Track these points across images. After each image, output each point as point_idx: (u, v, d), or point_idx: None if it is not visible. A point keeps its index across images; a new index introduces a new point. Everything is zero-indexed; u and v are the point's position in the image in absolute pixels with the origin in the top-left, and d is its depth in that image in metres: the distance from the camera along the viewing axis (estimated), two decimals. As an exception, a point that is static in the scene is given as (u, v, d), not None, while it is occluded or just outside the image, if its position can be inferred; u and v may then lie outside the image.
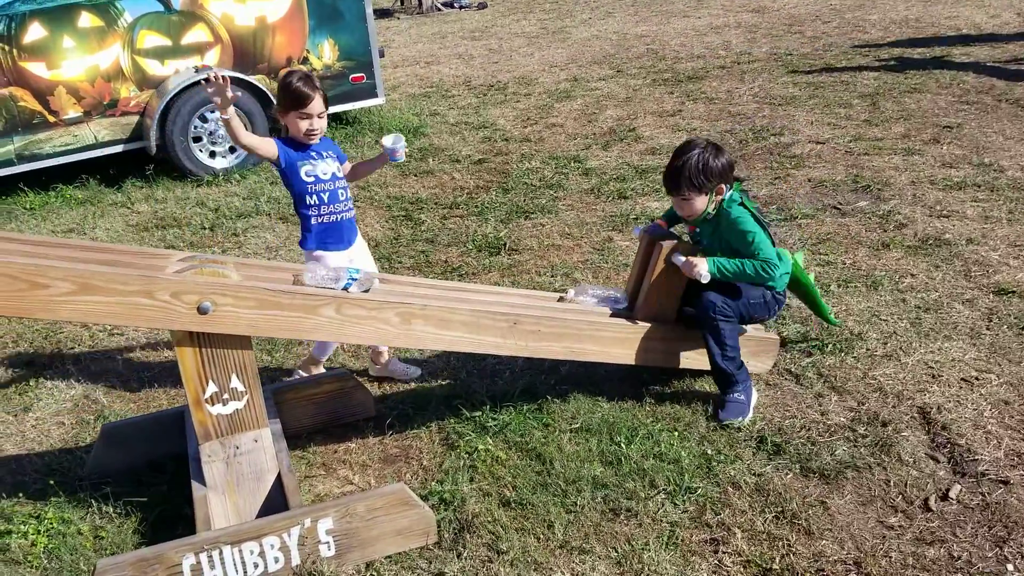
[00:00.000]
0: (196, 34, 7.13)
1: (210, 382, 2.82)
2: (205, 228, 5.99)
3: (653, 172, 6.28)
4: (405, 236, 5.54)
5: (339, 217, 3.52)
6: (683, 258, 3.26)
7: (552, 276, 4.75)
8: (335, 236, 3.53)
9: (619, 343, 3.32)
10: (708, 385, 3.57)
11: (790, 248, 4.65)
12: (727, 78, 9.10)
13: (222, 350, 2.80)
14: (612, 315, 3.37)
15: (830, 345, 3.78)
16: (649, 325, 3.36)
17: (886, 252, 4.65)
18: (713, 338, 3.33)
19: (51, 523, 3.02)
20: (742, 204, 3.33)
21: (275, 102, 3.53)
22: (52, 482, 3.26)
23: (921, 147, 6.23)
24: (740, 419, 3.32)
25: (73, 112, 6.77)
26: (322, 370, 3.80)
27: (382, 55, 8.19)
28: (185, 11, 7.03)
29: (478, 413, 3.44)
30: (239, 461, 2.90)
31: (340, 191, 3.52)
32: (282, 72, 3.43)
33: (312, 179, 3.44)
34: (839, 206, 5.36)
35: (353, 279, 3.00)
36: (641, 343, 3.35)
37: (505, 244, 5.23)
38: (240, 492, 2.90)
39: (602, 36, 12.48)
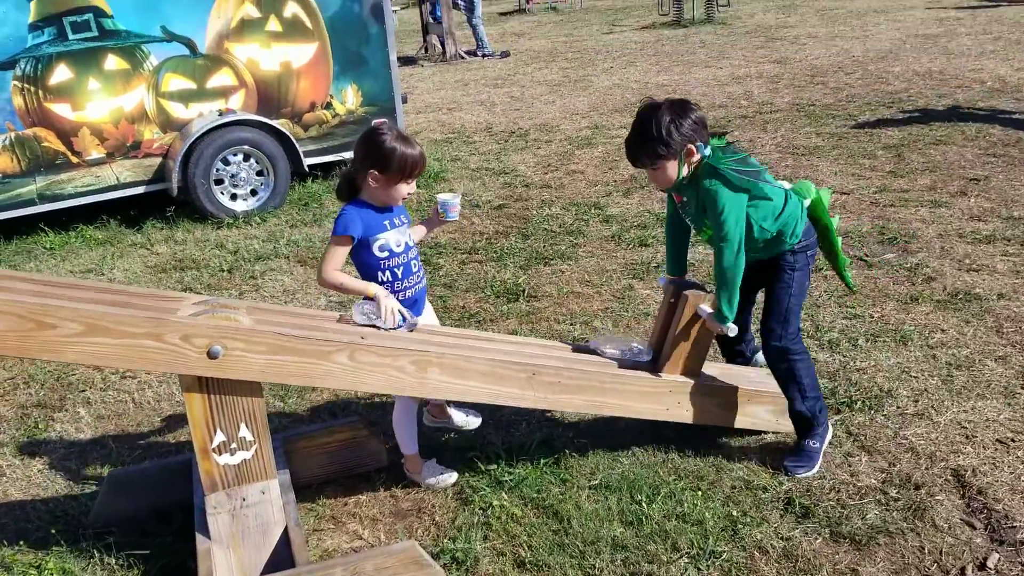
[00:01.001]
0: (221, 78, 7.17)
1: (218, 430, 2.74)
2: (223, 270, 5.95)
3: (675, 221, 6.20)
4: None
5: (412, 292, 3.16)
6: (709, 310, 3.16)
7: (571, 324, 4.66)
8: (415, 308, 3.18)
9: (643, 397, 3.21)
10: (734, 440, 3.45)
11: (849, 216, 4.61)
12: (749, 127, 9.06)
13: (231, 397, 2.72)
14: (635, 368, 3.27)
15: (859, 402, 3.66)
16: (674, 379, 3.26)
17: (915, 306, 4.53)
18: (790, 383, 3.22)
19: (51, 574, 2.93)
20: (716, 169, 2.96)
21: (358, 160, 3.02)
22: (55, 530, 3.18)
23: (948, 199, 6.13)
24: (809, 471, 3.20)
25: (96, 153, 6.79)
26: (451, 412, 3.56)
27: (405, 101, 8.21)
28: (210, 55, 7.08)
29: (493, 466, 3.34)
30: (245, 514, 2.81)
31: (413, 262, 3.14)
32: (376, 126, 3.04)
33: (386, 254, 3.05)
34: (865, 258, 5.25)
35: (401, 323, 2.99)
36: (665, 398, 3.24)
37: (524, 291, 5.15)
38: (245, 546, 2.80)
39: (623, 85, 12.51)
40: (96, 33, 6.62)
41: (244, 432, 2.78)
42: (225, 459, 2.78)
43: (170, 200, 7.16)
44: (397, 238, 3.10)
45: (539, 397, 3.06)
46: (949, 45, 12.67)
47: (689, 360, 3.28)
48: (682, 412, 3.29)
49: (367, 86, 7.78)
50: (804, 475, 3.18)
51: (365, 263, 3.09)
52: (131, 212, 7.33)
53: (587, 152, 8.61)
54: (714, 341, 3.43)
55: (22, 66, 6.40)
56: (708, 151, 3.00)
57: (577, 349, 3.40)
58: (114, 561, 2.97)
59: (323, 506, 3.27)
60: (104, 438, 3.89)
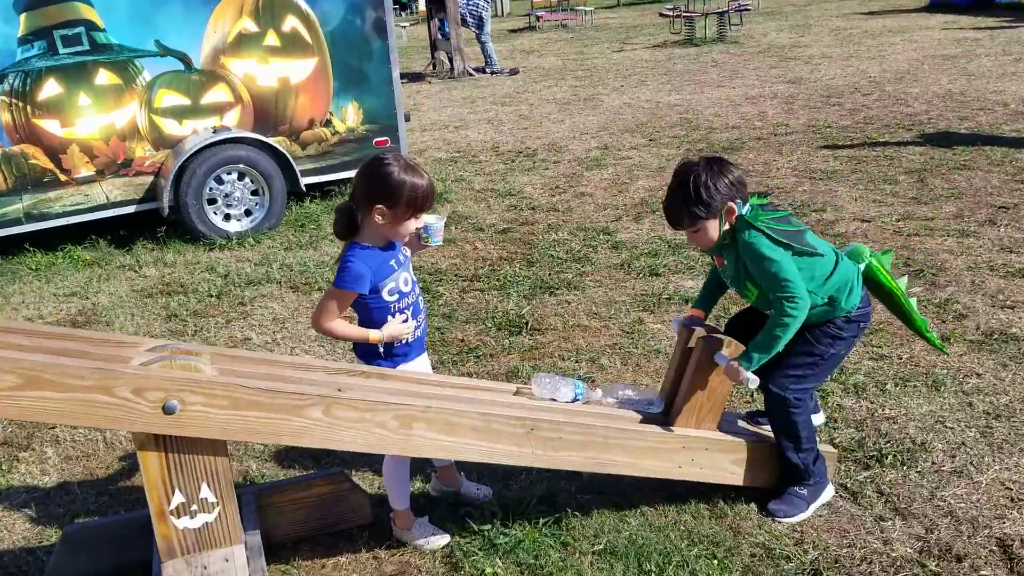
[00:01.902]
0: (216, 94, 6.92)
1: (176, 491, 2.45)
2: (212, 296, 5.67)
3: (688, 247, 5.90)
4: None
5: (420, 331, 2.95)
6: (728, 358, 2.86)
7: (577, 361, 4.35)
8: (414, 350, 2.94)
9: (652, 454, 2.90)
10: (755, 502, 3.13)
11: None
12: (764, 150, 8.76)
13: (191, 455, 2.43)
14: (644, 421, 2.96)
15: (890, 456, 3.34)
16: (688, 433, 2.95)
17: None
18: (784, 433, 2.99)
19: (-7, 645, 2.63)
20: (752, 224, 2.78)
21: (360, 194, 2.73)
22: (3, 591, 2.89)
23: (976, 228, 5.81)
24: (792, 518, 2.98)
25: (86, 171, 6.54)
26: (462, 478, 3.29)
27: (407, 119, 7.95)
28: (206, 70, 6.83)
29: (488, 526, 3.03)
30: (206, 584, 2.50)
31: (419, 299, 2.94)
32: (379, 156, 2.77)
33: (396, 297, 2.81)
34: (890, 292, 4.93)
35: (579, 395, 2.93)
36: (677, 455, 2.93)
37: (527, 323, 4.85)
38: (205, 622, 2.49)
39: (634, 104, 12.24)
40: (87, 47, 6.37)
41: (206, 493, 2.48)
42: (184, 522, 2.49)
43: (161, 220, 6.89)
44: (405, 276, 2.85)
45: (538, 455, 2.75)
46: (968, 66, 12.36)
47: (704, 412, 2.97)
48: (696, 470, 2.97)
49: (368, 103, 7.51)
50: (786, 520, 3.00)
51: (373, 308, 2.81)
52: (121, 232, 7.06)
53: (596, 174, 8.33)
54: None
55: (10, 80, 6.15)
56: (746, 209, 2.83)
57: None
58: (62, 632, 2.67)
59: (298, 568, 2.96)
60: (70, 483, 3.60)
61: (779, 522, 3.00)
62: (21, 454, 3.82)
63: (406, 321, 2.85)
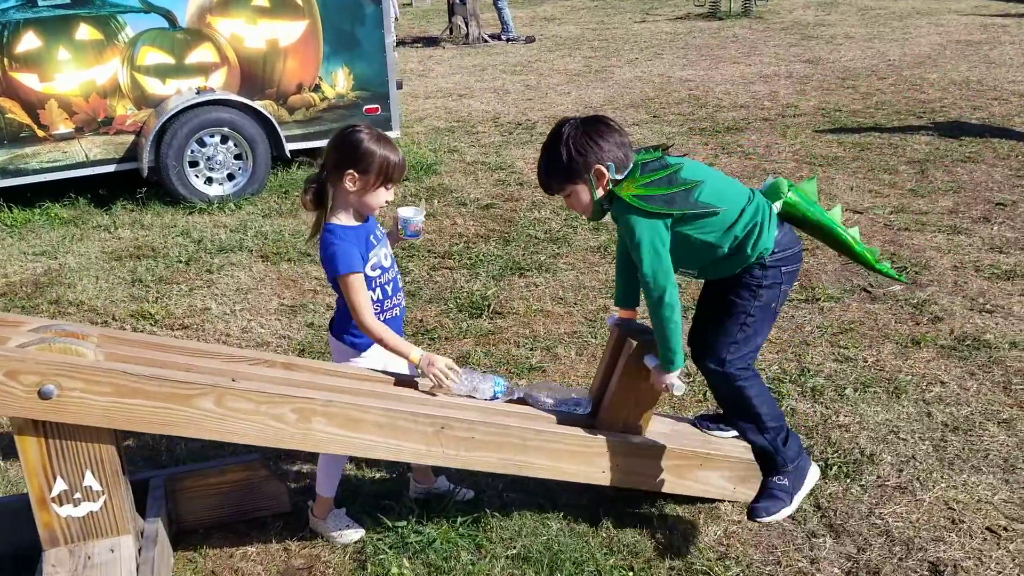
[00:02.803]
0: (201, 54, 6.77)
1: (58, 478, 2.36)
2: (180, 262, 5.58)
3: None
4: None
5: (399, 309, 2.87)
6: (656, 362, 2.71)
7: (532, 349, 4.22)
8: (395, 330, 2.81)
9: (573, 457, 2.77)
10: (684, 509, 3.00)
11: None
12: (768, 131, 8.53)
13: (73, 442, 2.33)
14: (568, 423, 2.83)
15: (835, 467, 3.20)
16: (611, 437, 2.81)
17: (915, 351, 4.04)
18: (738, 413, 2.77)
19: None
20: (618, 194, 2.51)
21: (331, 163, 2.68)
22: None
23: (969, 225, 5.60)
24: (774, 515, 2.68)
25: (64, 127, 6.43)
26: (430, 475, 3.16)
27: (400, 87, 7.78)
28: (191, 29, 6.68)
29: (403, 523, 2.92)
30: (88, 575, 2.41)
31: (398, 276, 2.88)
32: (351, 125, 2.76)
33: (378, 272, 2.75)
34: (869, 289, 4.76)
35: (499, 392, 2.78)
36: (601, 459, 2.79)
37: (490, 305, 4.72)
38: (84, 614, 2.41)
39: (645, 78, 11.98)
40: (68, 0, 6.24)
41: (90, 481, 2.39)
42: (67, 510, 2.40)
43: (142, 181, 6.79)
44: (384, 251, 2.79)
45: (449, 455, 2.63)
46: (991, 53, 11.98)
47: (631, 415, 2.84)
48: (620, 476, 2.84)
49: (359, 69, 7.34)
50: (767, 519, 2.68)
51: None
52: (100, 192, 6.97)
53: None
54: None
55: (-13, 32, 6.05)
56: (616, 172, 2.53)
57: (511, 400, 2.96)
58: (-49, 613, 2.61)
59: (205, 557, 2.87)
60: (-4, 452, 3.53)
61: (758, 521, 2.72)
62: (-46, 420, 3.76)
63: (383, 300, 2.77)
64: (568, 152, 2.52)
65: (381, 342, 2.70)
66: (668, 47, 14.94)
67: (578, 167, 2.53)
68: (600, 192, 2.56)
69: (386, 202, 2.74)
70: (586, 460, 2.77)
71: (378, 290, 2.76)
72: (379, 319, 2.73)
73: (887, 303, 4.57)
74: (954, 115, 8.67)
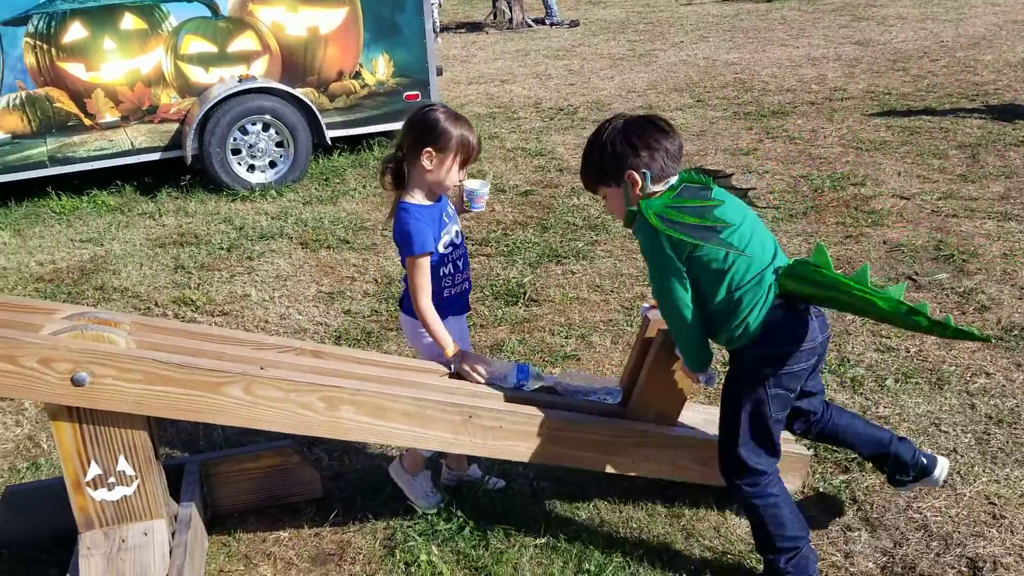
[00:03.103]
0: (243, 42, 6.84)
1: (92, 463, 2.40)
2: (222, 249, 5.65)
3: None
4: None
5: (467, 283, 2.90)
6: None
7: (567, 337, 4.20)
8: (460, 304, 2.90)
9: (604, 448, 2.75)
10: (714, 500, 2.96)
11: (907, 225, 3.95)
12: (815, 116, 8.37)
13: (107, 427, 2.37)
14: (598, 412, 2.81)
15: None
16: (644, 428, 2.78)
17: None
18: (753, 525, 2.55)
19: (-75, 601, 2.65)
20: (642, 209, 2.30)
21: (407, 142, 2.69)
22: (-52, 546, 2.90)
23: (1020, 212, 5.44)
24: None
25: (110, 116, 6.54)
26: (463, 462, 3.15)
27: (440, 73, 7.78)
28: (233, 17, 6.75)
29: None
30: (122, 558, 2.47)
31: (466, 251, 2.90)
32: (428, 105, 2.86)
33: (451, 249, 2.77)
34: (915, 277, 4.65)
35: (523, 380, 2.72)
36: (632, 450, 2.77)
37: (526, 293, 4.70)
38: (118, 596, 2.45)
39: (690, 61, 11.82)
40: (113, -10, 6.35)
41: (123, 466, 2.43)
42: (102, 494, 2.45)
43: (186, 169, 6.88)
44: (456, 229, 2.82)
45: (476, 443, 2.63)
46: (1051, 32, 11.62)
47: (663, 405, 2.80)
48: (651, 467, 2.81)
49: (399, 56, 7.35)
50: None
51: (432, 263, 2.74)
52: (146, 179, 7.08)
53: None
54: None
55: (35, 23, 6.16)
56: (652, 185, 2.33)
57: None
58: (-7, 592, 2.68)
59: (239, 541, 2.91)
60: (40, 435, 3.61)
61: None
62: (0, 402, 3.85)
63: (454, 274, 2.81)
64: (604, 152, 2.38)
65: (427, 326, 2.73)
66: (714, 30, 14.73)
67: (611, 170, 2.38)
68: (633, 199, 2.38)
69: (460, 181, 2.77)
70: (616, 451, 2.75)
71: (450, 265, 2.79)
72: (449, 293, 2.80)
73: (932, 291, 4.46)
74: (1008, 98, 8.43)
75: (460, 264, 2.83)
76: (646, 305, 2.92)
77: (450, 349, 2.73)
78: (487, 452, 2.67)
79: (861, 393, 3.58)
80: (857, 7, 15.67)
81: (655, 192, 2.34)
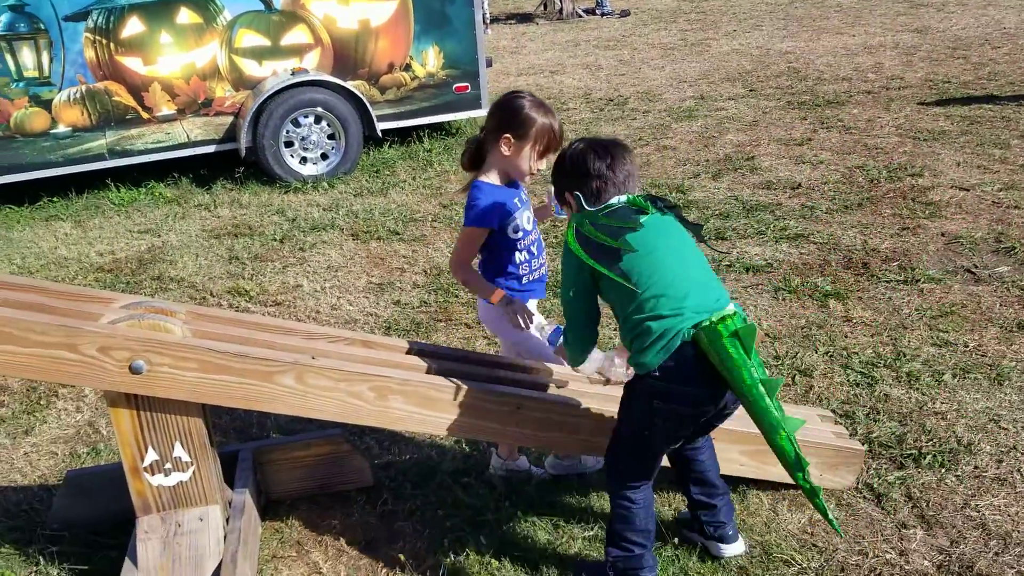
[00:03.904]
0: (296, 35, 6.92)
1: (150, 448, 2.45)
2: (275, 240, 5.73)
3: (762, 210, 5.59)
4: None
5: (544, 269, 2.99)
6: None
7: (614, 328, 4.18)
8: (539, 290, 2.99)
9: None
10: (764, 496, 2.93)
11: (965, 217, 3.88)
12: (871, 105, 8.20)
13: (164, 414, 2.42)
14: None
15: (929, 456, 3.07)
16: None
17: (1021, 336, 3.84)
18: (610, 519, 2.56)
19: (-8, 579, 2.73)
20: (574, 224, 2.37)
21: (491, 125, 2.76)
22: (13, 527, 2.99)
23: (1087, 203, 5.28)
24: None
25: (167, 109, 6.67)
26: (514, 451, 3.14)
27: (490, 64, 7.78)
28: (286, 11, 6.82)
29: (481, 502, 2.94)
30: (178, 542, 2.52)
31: (540, 238, 2.96)
32: (515, 91, 2.83)
33: (520, 234, 2.82)
34: (974, 270, 4.54)
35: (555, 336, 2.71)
36: (678, 442, 2.74)
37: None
38: (174, 580, 2.51)
39: (743, 51, 11.67)
40: (170, -14, 6.46)
41: (179, 452, 2.48)
42: (159, 480, 2.50)
43: (240, 161, 6.99)
44: (527, 215, 2.86)
45: (524, 434, 2.64)
46: (1120, 17, 11.24)
47: None
48: (734, 468, 2.79)
49: (449, 47, 7.37)
50: None
51: (500, 246, 2.84)
52: (202, 171, 7.21)
53: (685, 126, 7.98)
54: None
55: (94, 18, 6.30)
56: (587, 203, 2.39)
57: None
58: (55, 572, 2.75)
59: (291, 528, 2.95)
60: (100, 421, 3.70)
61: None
62: (61, 390, 3.96)
63: (529, 261, 2.89)
64: (556, 172, 2.52)
65: (466, 285, 2.87)
66: (768, 18, 14.53)
67: (559, 191, 2.53)
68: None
69: (538, 170, 2.80)
70: None
71: (524, 252, 2.85)
72: (528, 279, 2.90)
73: (992, 285, 4.35)
74: (1074, 85, 8.18)
75: (535, 250, 2.90)
76: None
77: (495, 296, 2.79)
78: (535, 443, 2.68)
79: (917, 388, 3.51)
80: (916, -7, 15.31)
81: (586, 211, 2.40)
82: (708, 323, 2.20)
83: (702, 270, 2.36)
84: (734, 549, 2.65)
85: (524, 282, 2.90)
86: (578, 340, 2.51)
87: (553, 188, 2.59)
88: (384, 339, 2.91)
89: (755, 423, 2.23)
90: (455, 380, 2.58)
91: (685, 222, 2.44)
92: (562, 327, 2.63)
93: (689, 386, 2.25)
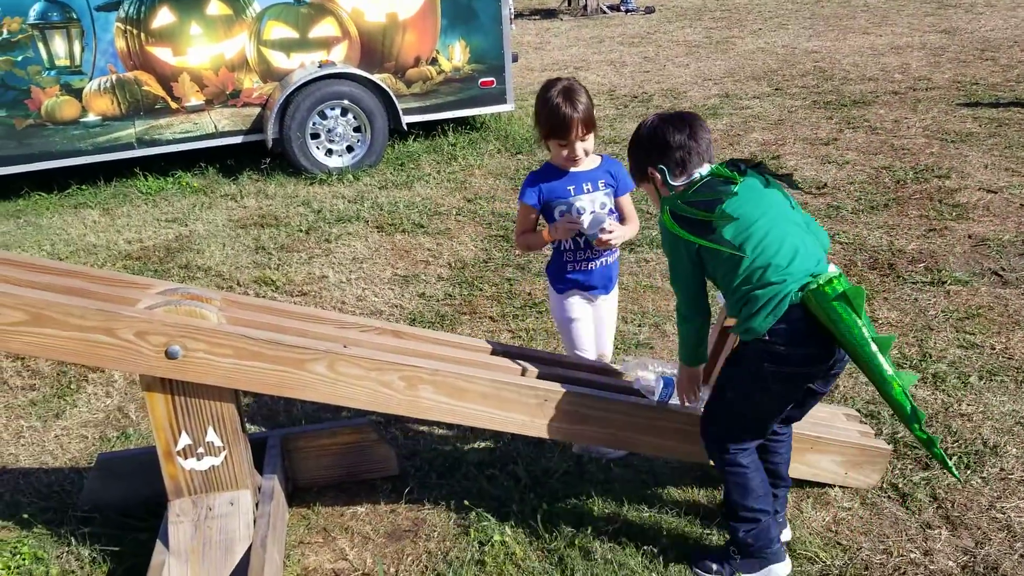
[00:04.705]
0: (324, 28, 6.95)
1: (183, 433, 2.49)
2: (301, 231, 5.77)
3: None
4: (496, 259, 5.11)
5: (601, 263, 3.03)
6: None
7: (639, 325, 4.20)
8: (592, 283, 3.05)
9: (680, 436, 2.73)
10: (789, 495, 2.93)
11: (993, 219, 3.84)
12: (898, 105, 8.16)
13: (197, 399, 2.45)
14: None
15: (955, 457, 3.07)
16: None
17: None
18: (726, 491, 2.58)
19: (24, 559, 2.79)
20: (668, 206, 2.37)
21: (535, 117, 2.94)
22: (44, 508, 3.04)
23: (1117, 208, 5.24)
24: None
25: (195, 99, 6.73)
26: None
27: (515, 60, 7.79)
28: (314, 4, 6.86)
29: (507, 493, 2.96)
30: (209, 525, 2.56)
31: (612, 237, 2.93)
32: (547, 84, 2.93)
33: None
34: (1001, 272, 4.52)
35: (668, 391, 2.70)
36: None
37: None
38: (205, 563, 2.54)
39: (768, 49, 11.62)
40: (201, -23, 6.51)
41: (212, 437, 2.51)
42: (191, 464, 2.53)
43: (267, 152, 7.04)
44: (578, 205, 2.92)
45: (553, 427, 2.66)
46: None
47: None
48: None
49: (476, 42, 7.39)
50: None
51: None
52: (228, 162, 7.26)
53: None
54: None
55: (125, 8, 6.36)
56: (674, 180, 2.41)
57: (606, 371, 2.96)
58: (86, 553, 2.79)
59: (318, 515, 2.99)
60: (129, 406, 3.75)
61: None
62: (91, 375, 4.01)
63: (575, 251, 3.00)
64: (633, 151, 2.53)
65: (526, 248, 3.12)
66: (794, 17, 14.45)
67: (640, 168, 2.50)
68: (659, 194, 2.48)
69: (574, 158, 2.88)
70: (694, 439, 2.73)
71: (570, 241, 2.96)
72: (572, 269, 3.02)
73: (1019, 288, 4.33)
74: (1105, 88, 8.10)
75: (580, 242, 2.95)
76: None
77: (544, 233, 2.97)
78: (562, 436, 2.70)
79: (943, 390, 3.50)
80: (944, -6, 15.19)
81: (678, 187, 2.42)
82: (816, 286, 2.25)
83: (801, 231, 2.38)
84: (784, 535, 2.68)
85: (569, 272, 3.01)
86: (696, 313, 2.49)
87: (630, 165, 2.58)
88: (414, 329, 2.94)
89: (869, 379, 2.31)
90: (485, 371, 2.61)
91: (774, 175, 2.45)
92: (671, 379, 2.71)
93: (800, 347, 2.30)
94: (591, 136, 2.88)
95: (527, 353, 2.97)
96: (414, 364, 2.52)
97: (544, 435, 2.68)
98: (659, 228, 2.47)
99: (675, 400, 2.72)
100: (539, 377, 2.73)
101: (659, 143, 2.42)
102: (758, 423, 2.49)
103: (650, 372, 2.81)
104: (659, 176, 2.43)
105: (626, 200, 3.06)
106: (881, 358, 2.25)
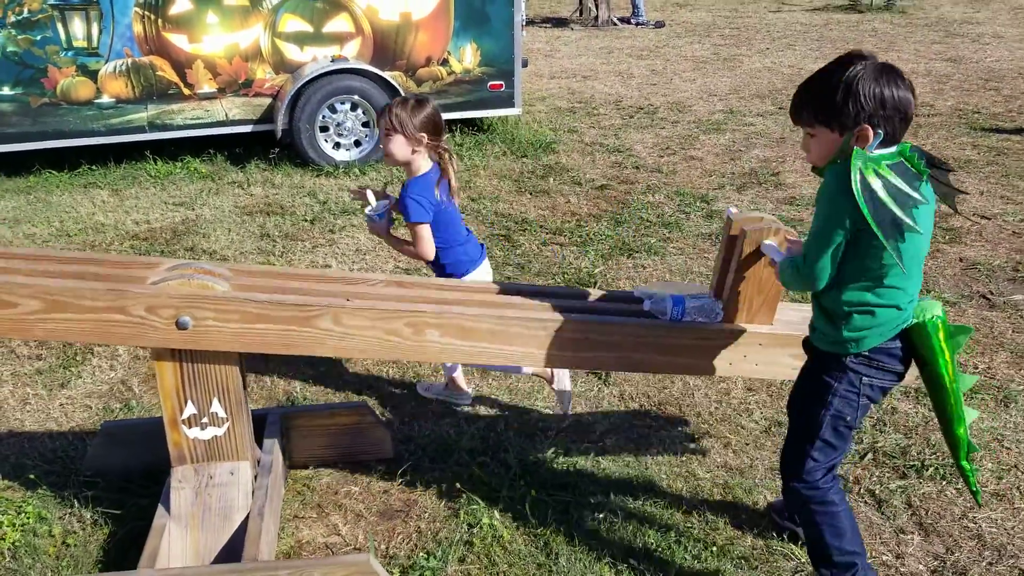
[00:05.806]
0: (338, 23, 7.06)
1: (189, 402, 2.59)
2: (306, 220, 5.87)
3: (785, 225, 5.67)
4: (496, 258, 5.20)
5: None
6: (776, 247, 2.57)
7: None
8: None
9: (690, 352, 2.72)
10: (768, 492, 3.04)
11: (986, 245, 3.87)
12: (899, 130, 8.26)
13: (204, 369, 2.55)
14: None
15: (932, 468, 3.17)
16: (739, 328, 2.73)
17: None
18: (809, 536, 2.51)
19: (28, 518, 2.88)
20: (862, 162, 2.07)
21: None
22: (48, 471, 3.13)
23: (1106, 239, 5.35)
24: None
25: (208, 87, 6.82)
26: (464, 387, 3.59)
27: (525, 65, 7.90)
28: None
29: (498, 479, 3.06)
30: (209, 493, 2.66)
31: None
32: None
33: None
34: (989, 296, 4.63)
35: (678, 308, 2.71)
36: (728, 352, 2.73)
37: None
38: (204, 528, 2.64)
39: (774, 69, 11.75)
40: (220, -33, 6.61)
41: (216, 407, 2.61)
42: (195, 432, 2.63)
43: (275, 142, 7.14)
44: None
45: (563, 356, 2.69)
46: None
47: (756, 306, 2.75)
48: (749, 367, 2.79)
49: (487, 46, 7.49)
50: None
51: (452, 225, 3.46)
52: (237, 150, 7.36)
53: (712, 138, 8.08)
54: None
55: (145, -7, 6.46)
56: (879, 150, 2.12)
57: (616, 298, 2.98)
58: (88, 515, 2.89)
59: (313, 492, 3.08)
60: (132, 379, 3.85)
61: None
62: (97, 348, 4.10)
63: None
64: (846, 95, 2.09)
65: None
66: (801, 38, 14.58)
67: (844, 115, 2.11)
68: (848, 151, 2.12)
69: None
70: (710, 353, 2.74)
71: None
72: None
73: (1006, 311, 4.44)
74: (1103, 123, 8.22)
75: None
76: (731, 209, 2.82)
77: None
78: (574, 364, 2.76)
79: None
80: (951, 23, 15.34)
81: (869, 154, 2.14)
82: (931, 317, 2.27)
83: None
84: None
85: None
86: (814, 281, 2.27)
87: (821, 101, 2.16)
88: (415, 278, 3.01)
89: (939, 412, 2.43)
90: (490, 309, 2.67)
91: (949, 187, 2.31)
92: (682, 297, 2.69)
93: (894, 364, 2.36)
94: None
95: (531, 289, 2.97)
96: (418, 309, 2.58)
97: (555, 365, 2.73)
98: (831, 174, 2.16)
99: (687, 318, 2.74)
100: (548, 310, 2.76)
101: (895, 104, 2.10)
102: (845, 441, 2.45)
103: (661, 292, 2.80)
104: (871, 138, 2.11)
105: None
106: (960, 396, 2.34)
